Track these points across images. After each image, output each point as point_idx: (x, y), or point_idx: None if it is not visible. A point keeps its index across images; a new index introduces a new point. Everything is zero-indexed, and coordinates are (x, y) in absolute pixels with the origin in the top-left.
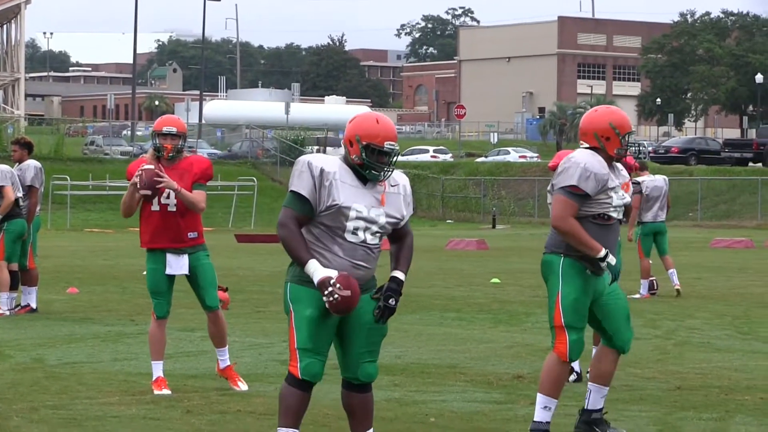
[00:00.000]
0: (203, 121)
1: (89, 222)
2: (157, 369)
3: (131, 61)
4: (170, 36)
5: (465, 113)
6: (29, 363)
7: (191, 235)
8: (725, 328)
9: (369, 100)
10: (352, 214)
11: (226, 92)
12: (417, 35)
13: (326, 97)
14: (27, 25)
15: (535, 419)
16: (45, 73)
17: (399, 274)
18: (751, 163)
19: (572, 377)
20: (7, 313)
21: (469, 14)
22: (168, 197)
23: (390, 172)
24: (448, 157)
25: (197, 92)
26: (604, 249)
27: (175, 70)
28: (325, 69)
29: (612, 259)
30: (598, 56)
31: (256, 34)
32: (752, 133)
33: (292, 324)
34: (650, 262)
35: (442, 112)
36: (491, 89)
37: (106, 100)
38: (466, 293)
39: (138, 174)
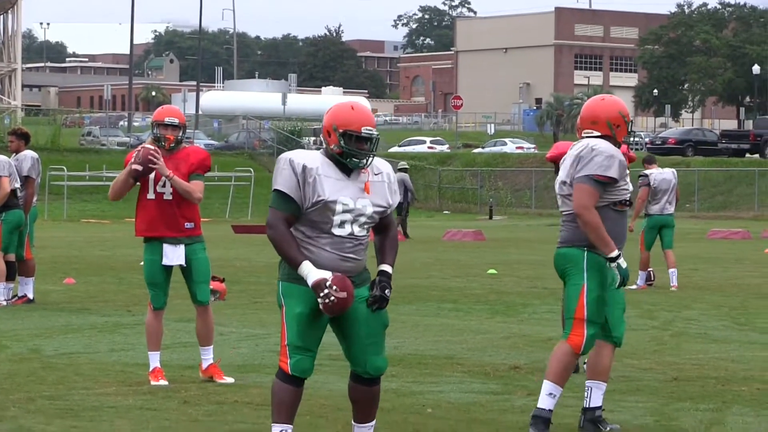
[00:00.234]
0: (200, 112)
1: (86, 213)
2: (154, 360)
3: (128, 52)
4: (167, 27)
5: (462, 104)
6: (26, 353)
7: (188, 225)
8: (722, 319)
9: (366, 91)
10: (339, 207)
11: (223, 83)
12: (414, 26)
13: (323, 88)
14: (24, 16)
15: (538, 405)
16: (42, 64)
17: (387, 268)
18: (748, 155)
19: None
20: (4, 303)
21: (466, 5)
22: (164, 185)
23: (371, 158)
24: (444, 148)
25: (194, 83)
26: (617, 250)
27: (171, 61)
28: (322, 60)
29: (623, 262)
30: (595, 47)
31: (253, 24)
32: (749, 124)
33: (283, 319)
34: (649, 254)
35: (439, 103)
36: (488, 80)
37: (103, 91)
38: (463, 284)
39: (138, 149)
